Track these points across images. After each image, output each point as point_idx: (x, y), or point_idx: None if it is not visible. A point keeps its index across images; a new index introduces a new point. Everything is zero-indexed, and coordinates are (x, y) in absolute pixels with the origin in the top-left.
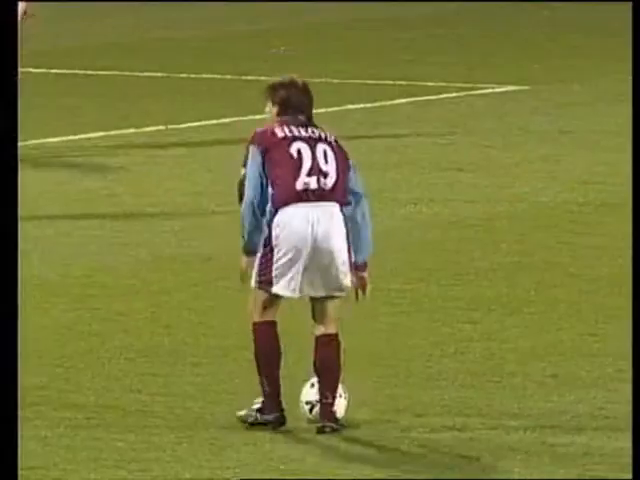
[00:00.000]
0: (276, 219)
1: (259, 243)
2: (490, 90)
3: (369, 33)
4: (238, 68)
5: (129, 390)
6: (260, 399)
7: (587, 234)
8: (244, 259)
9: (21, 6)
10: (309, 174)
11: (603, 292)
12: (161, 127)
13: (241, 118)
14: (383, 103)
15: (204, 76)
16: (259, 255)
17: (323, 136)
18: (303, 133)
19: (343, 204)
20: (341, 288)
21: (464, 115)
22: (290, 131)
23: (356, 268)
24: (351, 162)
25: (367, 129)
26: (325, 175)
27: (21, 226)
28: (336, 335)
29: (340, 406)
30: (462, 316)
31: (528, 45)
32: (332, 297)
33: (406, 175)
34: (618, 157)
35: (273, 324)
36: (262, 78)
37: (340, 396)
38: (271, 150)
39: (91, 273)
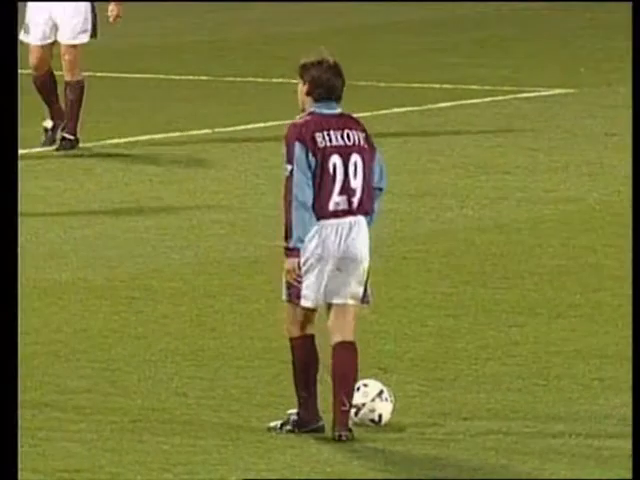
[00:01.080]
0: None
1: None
2: (536, 93)
3: (413, 36)
4: (284, 71)
5: (175, 393)
6: (294, 410)
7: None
8: (292, 260)
9: (113, 8)
10: (340, 193)
11: None
12: (207, 130)
13: (286, 121)
14: (429, 106)
15: (250, 79)
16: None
17: (356, 140)
18: (339, 140)
19: (369, 214)
20: (357, 297)
21: (510, 118)
22: (330, 139)
23: None
24: (377, 155)
25: (413, 132)
26: (354, 193)
27: (66, 229)
28: (354, 343)
29: (386, 409)
30: (508, 319)
31: (573, 47)
32: (350, 305)
33: (452, 178)
34: None
35: (310, 338)
36: None
37: (386, 399)
38: (314, 160)
39: (136, 276)
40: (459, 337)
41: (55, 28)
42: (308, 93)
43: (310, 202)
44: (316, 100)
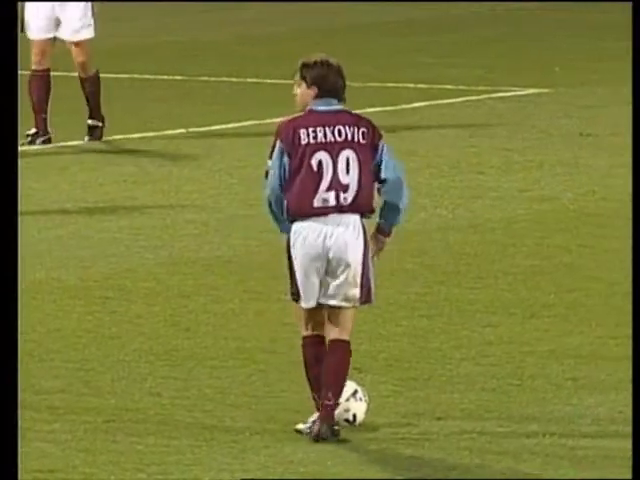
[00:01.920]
0: (293, 228)
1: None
2: (511, 93)
3: (388, 36)
4: (258, 71)
5: (148, 393)
6: (316, 414)
7: (607, 237)
8: None
9: None
10: (328, 189)
11: (623, 295)
12: (181, 130)
13: (261, 121)
14: (403, 106)
15: (224, 79)
16: (286, 265)
17: (349, 136)
18: (329, 137)
19: (365, 213)
20: (352, 299)
21: (485, 118)
22: (314, 136)
23: (380, 232)
24: (382, 145)
25: (387, 132)
26: (345, 189)
27: (40, 229)
28: (348, 342)
29: (360, 409)
30: (482, 319)
31: (548, 47)
32: (345, 307)
33: (426, 178)
34: None
35: (318, 337)
36: (282, 82)
37: (361, 399)
38: (293, 156)
39: (110, 276)
40: (433, 337)
41: (56, 24)
42: (310, 92)
43: (275, 199)
44: (315, 97)
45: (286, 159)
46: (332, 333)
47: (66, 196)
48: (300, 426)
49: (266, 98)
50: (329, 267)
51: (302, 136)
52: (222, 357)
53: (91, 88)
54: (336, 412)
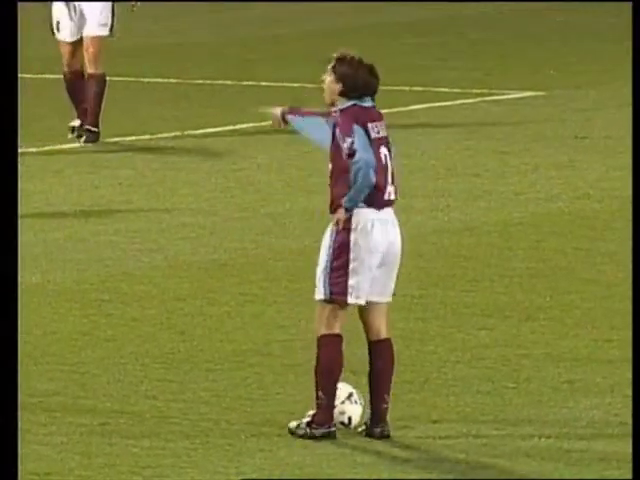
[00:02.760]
0: (354, 221)
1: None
2: (506, 96)
3: (384, 38)
4: (255, 73)
5: (144, 396)
6: (311, 412)
7: (603, 240)
8: (343, 213)
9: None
10: (392, 182)
11: (619, 298)
12: (177, 133)
13: (257, 124)
14: (399, 109)
15: (220, 82)
16: (330, 263)
17: (387, 134)
18: (382, 133)
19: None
20: (391, 295)
21: (480, 121)
22: (377, 130)
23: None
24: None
25: None
26: (395, 183)
27: (36, 231)
28: (391, 340)
29: (356, 412)
30: (477, 322)
31: (544, 50)
32: (387, 303)
33: (422, 181)
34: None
35: (340, 337)
36: (277, 84)
37: (356, 402)
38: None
39: (106, 279)
40: (428, 340)
41: (82, 24)
42: (342, 93)
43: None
44: (352, 97)
45: (367, 137)
46: (375, 333)
47: (62, 199)
48: (293, 424)
49: (262, 100)
50: (386, 262)
51: (370, 129)
52: (217, 360)
53: (96, 88)
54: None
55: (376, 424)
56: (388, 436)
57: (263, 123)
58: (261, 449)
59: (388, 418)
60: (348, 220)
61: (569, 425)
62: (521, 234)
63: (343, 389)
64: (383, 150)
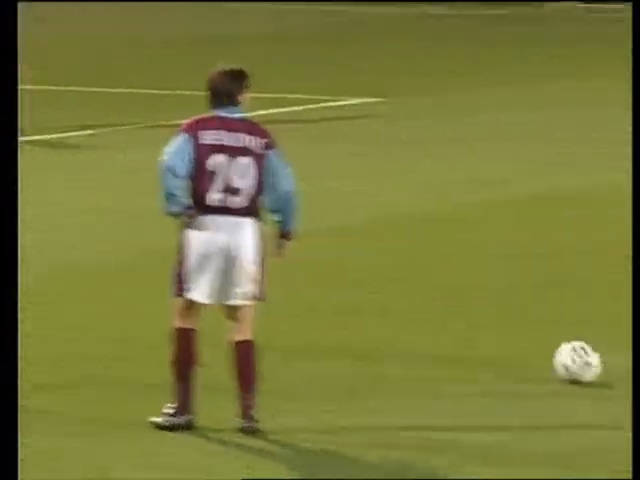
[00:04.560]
0: (190, 223)
1: (186, 203)
2: (347, 102)
3: (232, 47)
4: (100, 78)
5: None
6: (172, 405)
7: (442, 240)
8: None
9: None
10: (221, 190)
11: (449, 299)
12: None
13: (105, 130)
14: (251, 114)
15: (68, 88)
16: (175, 262)
17: (248, 144)
18: (229, 141)
19: (255, 215)
20: (248, 296)
21: (321, 126)
22: (217, 138)
23: (284, 236)
24: (274, 153)
25: None
26: (236, 192)
27: None
28: (252, 341)
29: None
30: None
31: (385, 58)
32: (244, 305)
33: None
34: (469, 165)
35: (193, 331)
36: (131, 90)
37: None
38: (195, 154)
39: None
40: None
41: None
42: (210, 103)
43: (176, 168)
44: (216, 106)
45: (190, 145)
46: (234, 335)
47: None
48: (155, 419)
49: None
50: (226, 266)
51: (206, 137)
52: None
53: None
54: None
55: (243, 420)
56: (255, 431)
57: (116, 128)
58: (125, 440)
59: (253, 413)
60: (186, 222)
61: None
62: (362, 237)
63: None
64: (217, 157)
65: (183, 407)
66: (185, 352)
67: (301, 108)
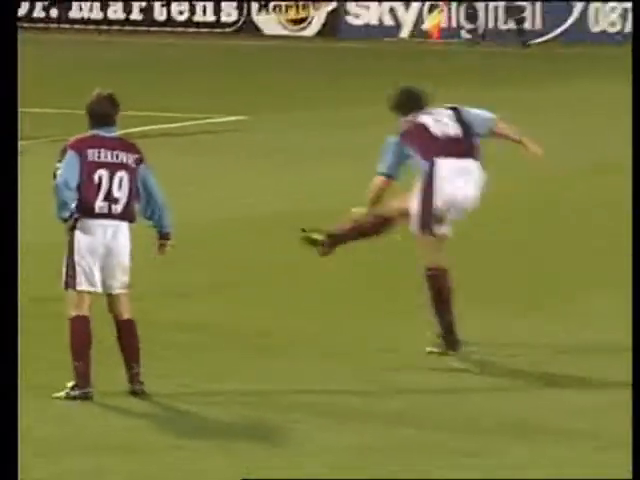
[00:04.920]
0: (78, 226)
1: (74, 209)
2: (216, 120)
3: (106, 72)
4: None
5: None
6: (72, 382)
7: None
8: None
9: None
10: (104, 199)
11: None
12: None
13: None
14: (128, 130)
15: None
16: (65, 258)
17: (124, 160)
18: (109, 158)
19: (131, 221)
20: (125, 285)
21: (200, 139)
22: (99, 156)
23: (163, 237)
24: (145, 168)
25: None
26: (116, 201)
27: None
28: (132, 320)
29: None
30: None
31: (245, 78)
32: (122, 293)
33: None
34: (330, 172)
35: (86, 317)
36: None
37: None
38: (82, 169)
39: None
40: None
41: None
42: (90, 126)
43: (68, 184)
44: (95, 126)
45: (78, 164)
46: (119, 316)
47: None
48: (59, 394)
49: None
50: (107, 261)
51: (90, 155)
52: None
53: None
54: None
55: (132, 383)
56: (143, 392)
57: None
58: (35, 408)
59: (142, 379)
60: (72, 225)
61: None
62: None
63: None
64: (101, 172)
65: (83, 382)
66: (81, 336)
67: (178, 125)
